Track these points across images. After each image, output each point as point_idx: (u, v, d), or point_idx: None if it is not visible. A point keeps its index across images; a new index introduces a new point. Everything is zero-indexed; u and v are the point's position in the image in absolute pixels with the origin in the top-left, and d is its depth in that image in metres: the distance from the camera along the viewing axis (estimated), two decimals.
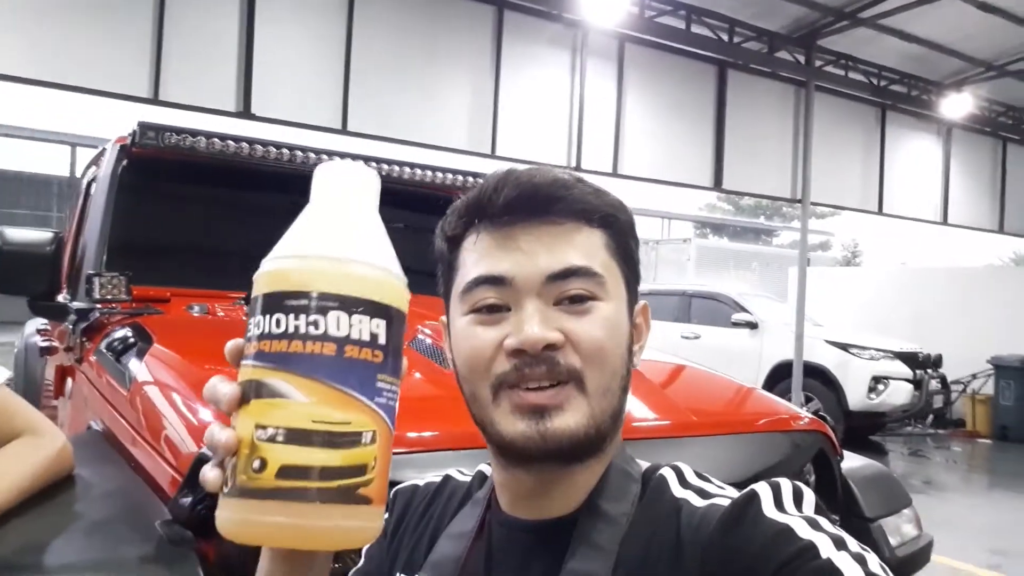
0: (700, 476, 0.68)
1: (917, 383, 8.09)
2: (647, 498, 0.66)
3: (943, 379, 8.63)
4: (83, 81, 5.10)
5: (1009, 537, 5.19)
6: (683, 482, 0.67)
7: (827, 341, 8.15)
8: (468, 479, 0.79)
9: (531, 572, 0.65)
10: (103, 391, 1.79)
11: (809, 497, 0.62)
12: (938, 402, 8.68)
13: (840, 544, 0.55)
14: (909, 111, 9.64)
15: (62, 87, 5.09)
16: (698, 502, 0.64)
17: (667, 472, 0.68)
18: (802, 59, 8.21)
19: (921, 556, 1.86)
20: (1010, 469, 7.82)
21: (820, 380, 8.02)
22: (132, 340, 1.77)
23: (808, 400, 7.85)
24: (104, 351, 1.87)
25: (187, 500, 1.14)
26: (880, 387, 7.87)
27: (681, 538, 0.61)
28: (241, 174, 2.57)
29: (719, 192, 9.36)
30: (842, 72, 8.65)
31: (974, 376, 9.54)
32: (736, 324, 8.72)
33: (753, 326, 8.68)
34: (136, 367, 1.60)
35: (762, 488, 0.61)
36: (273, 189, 2.68)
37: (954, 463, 8.01)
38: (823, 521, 0.58)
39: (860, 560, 0.54)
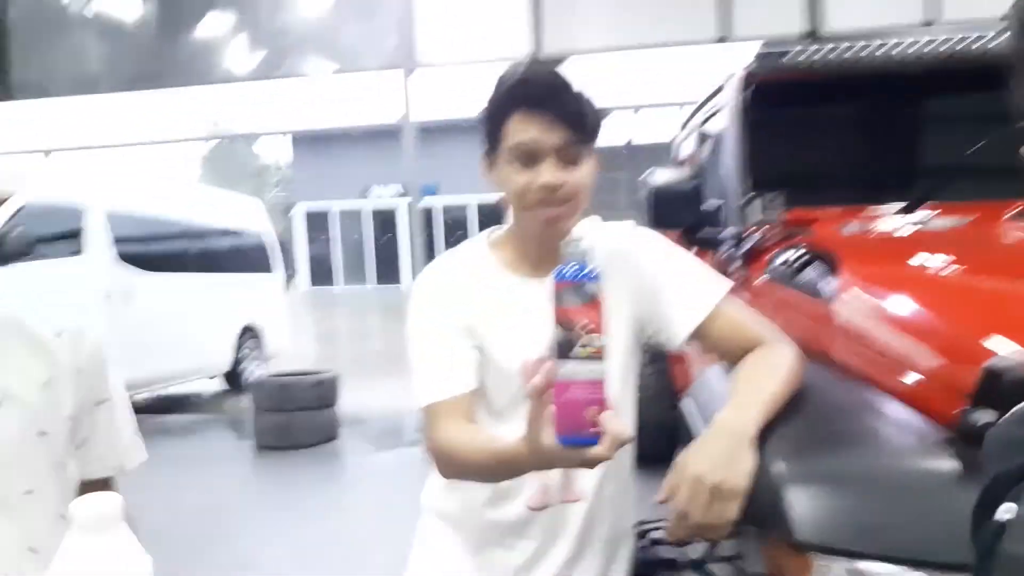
0: None
1: None
2: None
3: None
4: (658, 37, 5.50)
5: None
6: None
7: None
8: None
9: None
10: (783, 313, 1.80)
11: None
12: None
13: None
14: None
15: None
16: None
17: None
18: None
19: None
20: None
21: None
22: (815, 260, 1.74)
23: None
24: (777, 274, 1.89)
25: (978, 416, 1.01)
26: None
27: None
28: (869, 83, 2.40)
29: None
30: None
31: None
32: None
33: None
34: (838, 286, 1.56)
35: None
36: (907, 92, 2.44)
37: None
38: None
39: None
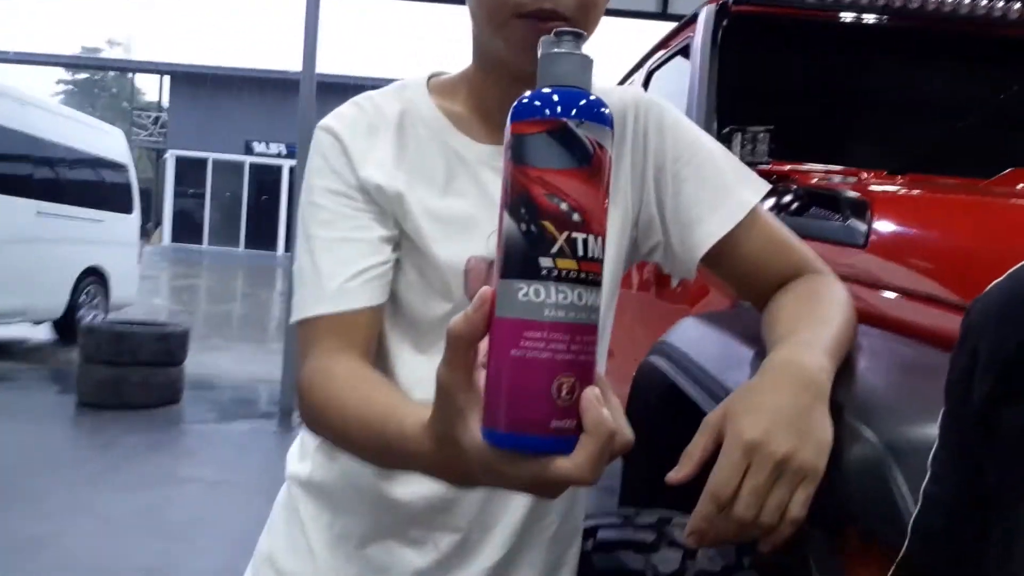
0: None
1: None
2: None
3: None
4: None
5: None
6: None
7: None
8: None
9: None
10: None
11: None
12: None
13: None
14: None
15: None
16: None
17: None
18: None
19: None
20: None
21: None
22: (823, 203, 1.37)
23: None
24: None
25: None
26: None
27: None
28: (867, 36, 2.10)
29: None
30: None
31: None
32: None
33: None
34: (868, 224, 1.18)
35: None
36: (916, 57, 2.15)
37: None
38: None
39: None
